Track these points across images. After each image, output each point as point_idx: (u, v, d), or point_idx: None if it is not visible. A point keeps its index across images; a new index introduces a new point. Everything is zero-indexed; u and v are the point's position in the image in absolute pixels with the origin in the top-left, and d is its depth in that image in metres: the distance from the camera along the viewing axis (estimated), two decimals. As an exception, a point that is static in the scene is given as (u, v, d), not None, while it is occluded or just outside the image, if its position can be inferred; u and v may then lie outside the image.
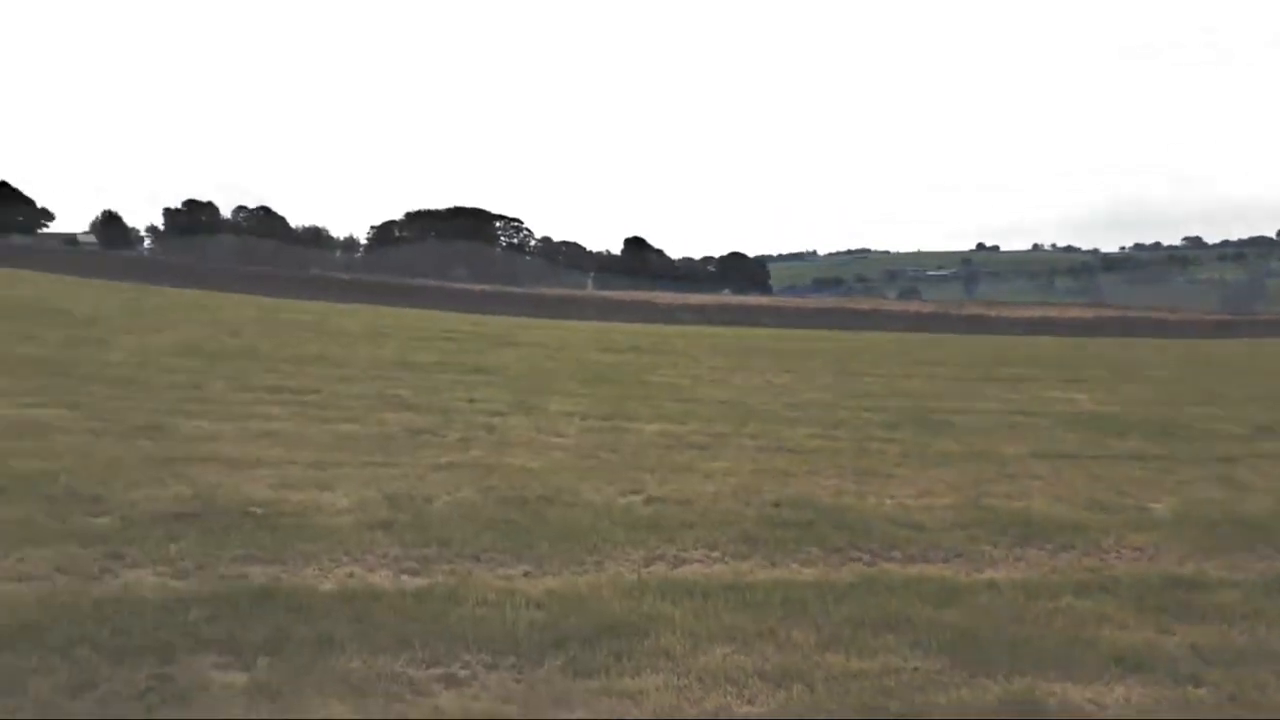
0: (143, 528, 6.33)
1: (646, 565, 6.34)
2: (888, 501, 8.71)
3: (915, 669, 4.77)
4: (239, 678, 4.13)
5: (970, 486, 9.47)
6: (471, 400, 14.19)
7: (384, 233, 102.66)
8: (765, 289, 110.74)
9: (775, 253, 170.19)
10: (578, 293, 76.96)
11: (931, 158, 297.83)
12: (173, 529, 6.33)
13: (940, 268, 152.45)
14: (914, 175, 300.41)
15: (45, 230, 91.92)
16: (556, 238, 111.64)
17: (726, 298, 79.83)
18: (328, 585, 5.49)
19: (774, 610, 5.48)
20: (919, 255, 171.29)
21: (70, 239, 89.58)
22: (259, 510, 6.92)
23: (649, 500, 8.16)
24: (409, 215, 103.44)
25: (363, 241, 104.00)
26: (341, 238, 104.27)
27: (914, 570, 6.61)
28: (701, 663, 4.68)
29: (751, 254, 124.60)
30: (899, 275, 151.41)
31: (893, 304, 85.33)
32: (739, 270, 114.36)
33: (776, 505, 8.17)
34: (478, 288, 64.69)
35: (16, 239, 78.69)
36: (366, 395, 14.07)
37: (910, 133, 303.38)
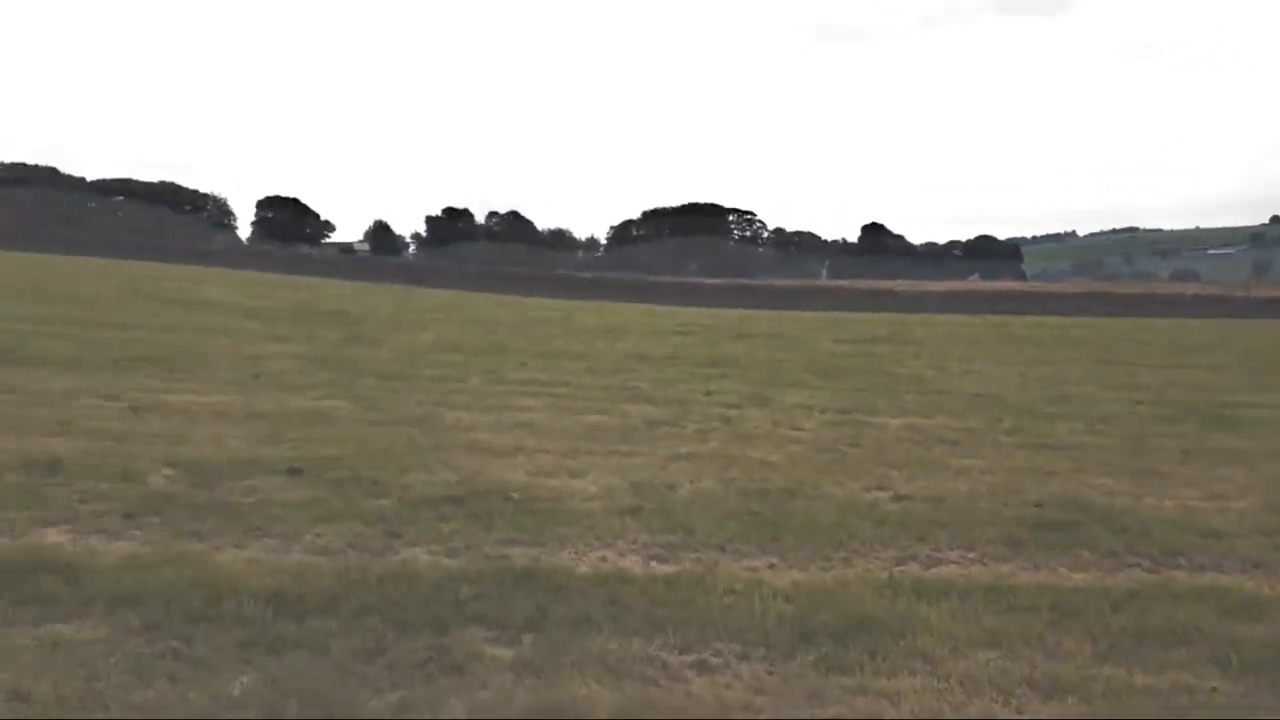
0: (416, 509, 6.87)
1: (898, 564, 6.10)
2: (1168, 503, 7.89)
3: (1214, 689, 4.26)
4: (506, 653, 4.38)
5: (1269, 488, 8.38)
6: (708, 393, 14.33)
7: (622, 232, 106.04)
8: (1018, 274, 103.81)
9: (1028, 234, 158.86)
10: (812, 283, 75.75)
11: (1208, 119, 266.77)
12: (442, 511, 6.83)
13: (1225, 245, 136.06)
14: (1187, 143, 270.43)
15: (327, 240, 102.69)
16: (790, 228, 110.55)
17: (974, 284, 75.59)
18: (583, 568, 5.71)
19: (1041, 616, 5.10)
20: (1197, 233, 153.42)
21: (347, 247, 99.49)
22: (517, 495, 7.32)
23: (896, 497, 7.86)
24: (645, 214, 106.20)
25: (602, 241, 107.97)
26: (583, 238, 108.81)
27: (1205, 580, 5.93)
28: (963, 667, 4.43)
29: (1002, 236, 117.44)
30: (1171, 255, 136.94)
31: (1166, 286, 77.20)
32: (988, 254, 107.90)
33: (1039, 505, 7.61)
34: (710, 281, 65.40)
35: (304, 248, 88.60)
36: (609, 388, 14.58)
37: (1177, 94, 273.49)
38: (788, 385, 15.59)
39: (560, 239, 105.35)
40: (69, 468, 7.49)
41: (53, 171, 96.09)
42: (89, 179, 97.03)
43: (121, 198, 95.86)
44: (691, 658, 4.45)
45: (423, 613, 4.76)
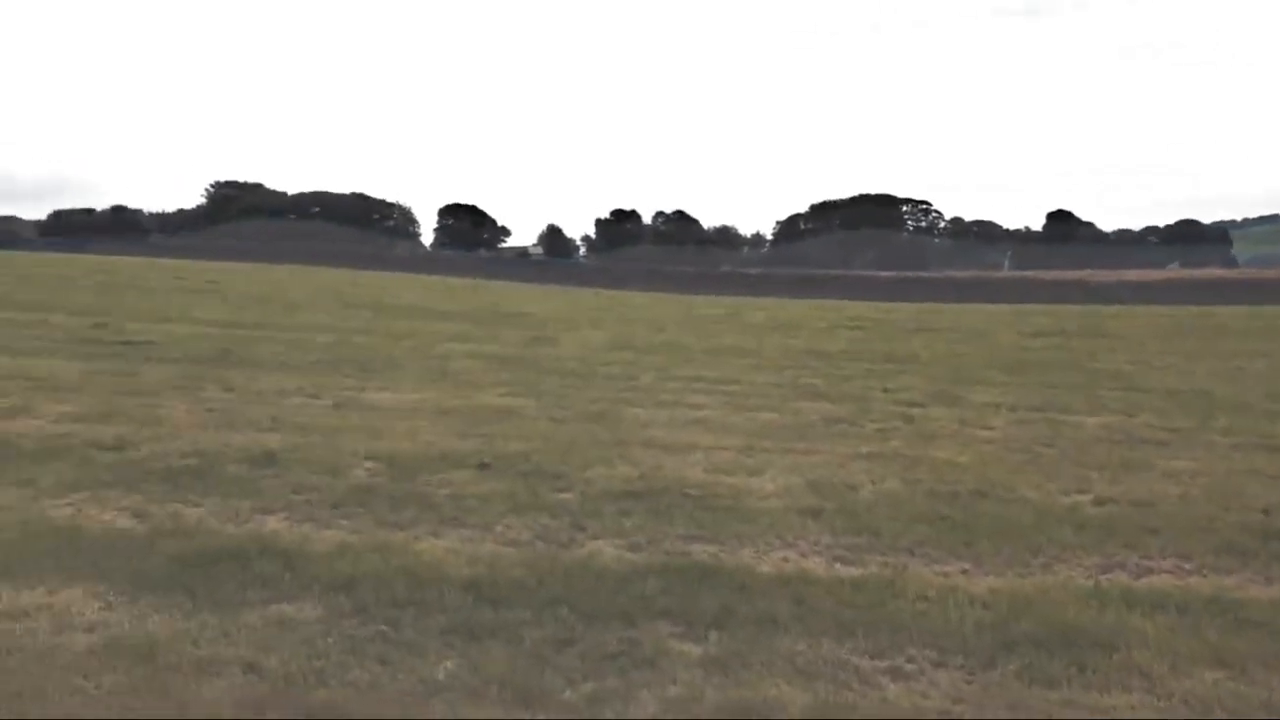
0: (598, 503, 7.02)
1: (1104, 572, 5.70)
2: None
3: None
4: (693, 649, 4.39)
5: None
6: (886, 389, 13.91)
7: (789, 227, 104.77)
8: (1227, 260, 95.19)
9: (1238, 217, 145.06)
10: (993, 274, 72.32)
11: None
12: (623, 506, 6.94)
13: None
14: None
15: (503, 245, 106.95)
16: (968, 217, 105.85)
17: (1175, 272, 69.97)
18: (765, 567, 5.66)
19: (1277, 636, 4.63)
20: None
21: (522, 251, 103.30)
22: (695, 492, 7.35)
23: (1098, 501, 7.35)
24: (813, 207, 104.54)
25: (768, 237, 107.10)
26: (748, 235, 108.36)
27: None
28: (1186, 686, 4.08)
29: (1207, 220, 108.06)
30: None
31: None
32: (1191, 239, 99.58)
33: (1265, 513, 6.93)
34: (883, 274, 63.55)
35: (483, 253, 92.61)
36: (781, 384, 14.41)
37: None
38: (972, 382, 14.91)
39: (726, 236, 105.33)
40: (282, 460, 8.11)
41: (259, 187, 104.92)
42: (289, 193, 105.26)
43: (317, 209, 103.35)
44: (885, 663, 4.31)
45: (610, 605, 4.84)
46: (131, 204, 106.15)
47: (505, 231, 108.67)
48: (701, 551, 5.89)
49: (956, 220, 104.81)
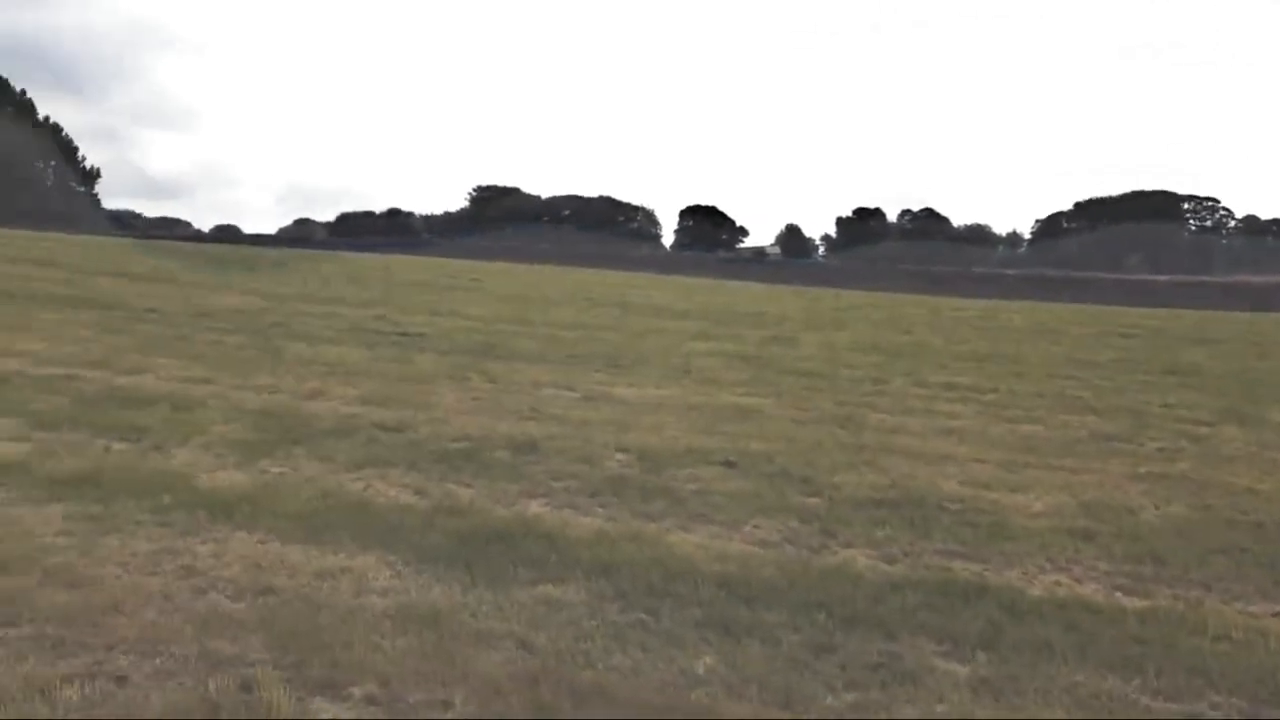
0: (848, 510, 6.85)
1: None
2: None
3: None
4: (959, 669, 4.18)
5: None
6: (1166, 405, 12.63)
7: (1050, 225, 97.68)
8: None
9: None
10: (1294, 280, 63.66)
11: None
12: (875, 515, 6.73)
13: None
14: None
15: (741, 245, 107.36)
16: (1264, 215, 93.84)
17: None
18: (1035, 590, 5.29)
19: None
20: None
21: (759, 251, 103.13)
22: (953, 505, 7.00)
23: None
24: (1078, 205, 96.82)
25: (1026, 236, 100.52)
26: (1003, 234, 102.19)
27: None
28: None
29: None
30: None
31: None
32: None
33: None
34: (1160, 278, 57.81)
35: (721, 254, 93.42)
36: (1044, 394, 13.44)
37: None
38: (1272, 401, 13.21)
39: (978, 235, 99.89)
40: (542, 448, 8.56)
41: (516, 191, 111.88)
42: (543, 197, 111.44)
43: (568, 212, 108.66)
44: (1179, 706, 3.90)
45: (868, 615, 4.71)
46: (405, 207, 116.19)
47: (743, 232, 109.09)
48: (964, 569, 5.60)
49: (1250, 219, 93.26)
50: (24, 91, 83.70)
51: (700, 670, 4.04)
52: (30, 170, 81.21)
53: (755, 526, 6.40)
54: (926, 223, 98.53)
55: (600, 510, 6.71)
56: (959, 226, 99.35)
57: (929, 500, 7.13)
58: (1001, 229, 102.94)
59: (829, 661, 4.18)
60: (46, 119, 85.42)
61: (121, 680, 3.79)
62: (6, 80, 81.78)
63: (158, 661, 3.96)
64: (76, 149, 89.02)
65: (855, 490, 7.44)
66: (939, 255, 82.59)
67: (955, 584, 5.25)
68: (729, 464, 8.20)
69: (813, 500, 7.14)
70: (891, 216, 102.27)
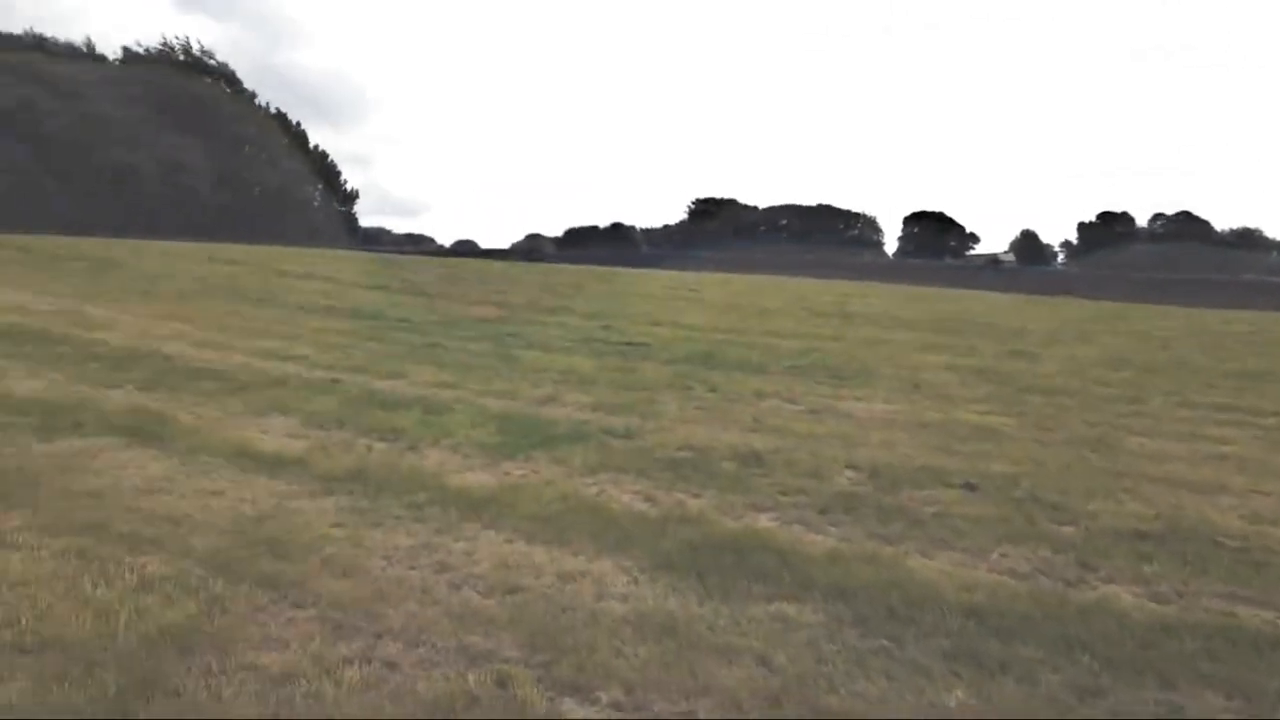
0: (1107, 541, 6.30)
1: None
2: None
3: None
4: (1252, 730, 3.72)
5: None
6: None
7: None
8: None
9: None
10: None
11: None
12: (1138, 548, 6.15)
13: None
14: None
15: (972, 252, 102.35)
16: None
17: None
18: (1345, 646, 4.62)
19: None
20: None
21: (993, 258, 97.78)
22: (1232, 542, 6.27)
23: None
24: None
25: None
26: (1278, 238, 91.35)
27: None
28: None
29: None
30: None
31: None
32: None
33: None
34: None
35: (949, 261, 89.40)
36: (1339, 421, 11.80)
37: None
38: None
39: (1247, 239, 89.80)
40: (767, 460, 8.48)
41: (733, 202, 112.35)
42: (760, 207, 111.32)
43: (784, 221, 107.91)
44: None
45: (1139, 660, 4.29)
46: (626, 220, 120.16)
47: (974, 238, 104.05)
48: (1252, 616, 4.98)
49: None
50: (299, 123, 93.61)
51: (952, 704, 3.82)
52: (304, 193, 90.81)
53: (1003, 555, 6.02)
54: (1182, 226, 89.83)
55: (832, 529, 6.54)
56: (1223, 231, 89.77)
57: (1202, 534, 6.42)
58: (1276, 233, 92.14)
59: (1098, 707, 3.83)
60: (316, 147, 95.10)
61: (392, 666, 4.09)
62: (285, 115, 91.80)
63: (421, 651, 4.25)
64: (339, 173, 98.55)
65: (1114, 520, 6.83)
66: (1198, 261, 74.92)
67: (1243, 631, 4.68)
68: (970, 486, 7.78)
69: (1066, 529, 6.62)
70: (1142, 220, 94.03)
